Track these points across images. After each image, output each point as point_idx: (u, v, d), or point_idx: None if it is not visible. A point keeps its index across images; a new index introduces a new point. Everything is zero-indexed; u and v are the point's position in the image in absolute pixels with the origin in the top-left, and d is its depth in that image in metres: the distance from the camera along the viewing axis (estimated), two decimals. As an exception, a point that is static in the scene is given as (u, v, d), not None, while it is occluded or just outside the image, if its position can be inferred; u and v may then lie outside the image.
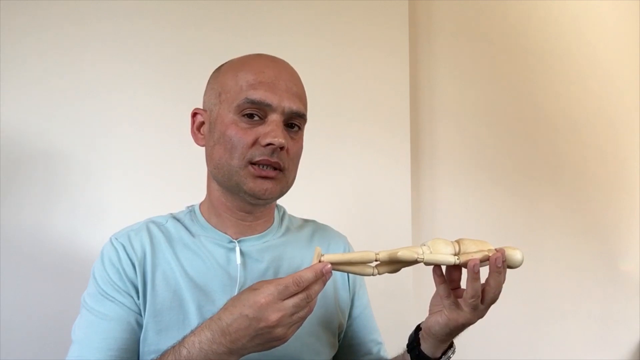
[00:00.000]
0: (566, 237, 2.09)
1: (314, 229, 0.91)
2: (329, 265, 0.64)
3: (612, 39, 2.30)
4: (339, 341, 0.88)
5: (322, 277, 0.63)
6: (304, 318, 0.64)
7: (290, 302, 0.61)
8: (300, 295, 0.62)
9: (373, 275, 0.70)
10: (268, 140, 0.73)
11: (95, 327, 0.72)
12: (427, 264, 0.68)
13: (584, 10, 2.23)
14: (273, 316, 0.60)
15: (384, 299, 1.00)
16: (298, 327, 0.64)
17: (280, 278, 0.63)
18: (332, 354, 0.85)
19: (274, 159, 0.74)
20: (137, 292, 0.75)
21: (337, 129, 1.57)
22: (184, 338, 0.65)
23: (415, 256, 0.67)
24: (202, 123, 0.81)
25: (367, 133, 1.61)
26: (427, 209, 1.79)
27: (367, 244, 1.53)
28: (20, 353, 1.19)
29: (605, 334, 2.17)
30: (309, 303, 0.63)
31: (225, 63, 0.82)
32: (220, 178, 0.77)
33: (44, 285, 1.22)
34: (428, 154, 1.81)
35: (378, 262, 0.70)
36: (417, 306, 1.55)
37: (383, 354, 0.92)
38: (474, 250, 0.69)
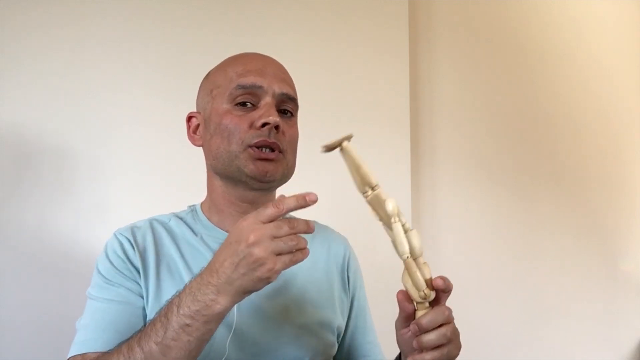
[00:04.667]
0: (566, 236, 2.09)
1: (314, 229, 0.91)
2: (315, 196, 0.62)
3: (612, 39, 2.30)
4: (338, 342, 0.88)
5: (305, 205, 0.62)
6: (291, 251, 0.60)
7: (271, 224, 0.59)
8: (283, 221, 0.60)
9: (364, 194, 0.66)
10: (263, 120, 0.74)
11: (101, 312, 0.72)
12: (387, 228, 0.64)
13: (584, 11, 2.23)
14: (252, 235, 0.58)
15: (382, 299, 1.00)
16: (286, 264, 0.59)
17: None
18: (332, 355, 0.85)
19: (272, 139, 0.75)
20: (141, 278, 0.75)
21: (337, 128, 1.56)
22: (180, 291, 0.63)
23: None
24: (198, 126, 0.82)
25: (367, 133, 1.61)
26: (427, 209, 1.79)
27: (367, 243, 1.53)
28: (21, 353, 1.19)
29: (605, 334, 2.16)
30: (293, 233, 0.60)
31: (213, 68, 0.85)
32: (221, 167, 0.77)
33: (45, 284, 1.23)
34: (428, 154, 1.82)
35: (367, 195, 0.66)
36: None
37: (380, 356, 0.92)
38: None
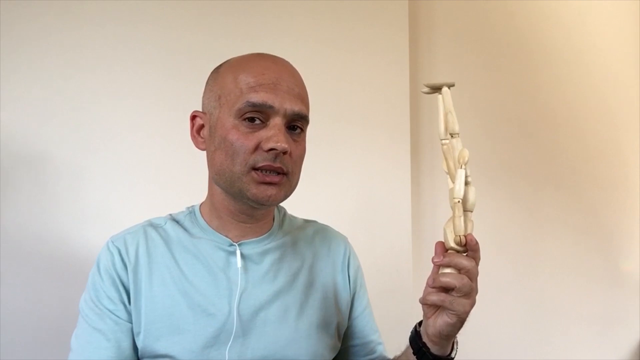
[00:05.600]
0: (566, 237, 2.09)
1: (314, 230, 0.91)
2: None
3: (612, 39, 2.30)
4: (339, 342, 0.87)
5: None
6: None
7: None
8: None
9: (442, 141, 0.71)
10: (270, 145, 0.71)
11: (92, 344, 0.73)
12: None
13: (585, 11, 2.23)
14: None
15: (384, 298, 1.00)
16: None
17: None
18: (332, 356, 0.84)
19: (277, 164, 0.72)
20: (130, 298, 0.75)
21: (337, 129, 1.57)
22: None
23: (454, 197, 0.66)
24: (202, 126, 0.79)
25: (368, 134, 1.61)
26: (427, 210, 1.79)
27: (368, 244, 1.53)
28: (20, 353, 1.19)
29: (605, 334, 2.16)
30: None
31: (224, 63, 0.80)
32: (223, 184, 0.76)
33: (44, 286, 1.23)
34: (428, 155, 1.81)
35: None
36: (417, 306, 1.55)
37: (385, 353, 0.92)
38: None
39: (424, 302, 0.69)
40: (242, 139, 0.72)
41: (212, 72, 0.81)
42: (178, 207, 0.87)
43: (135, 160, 1.33)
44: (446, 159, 0.71)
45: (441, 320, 0.69)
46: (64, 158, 1.28)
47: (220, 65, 0.81)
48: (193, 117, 0.81)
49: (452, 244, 0.67)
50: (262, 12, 1.50)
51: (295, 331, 0.78)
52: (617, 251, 2.24)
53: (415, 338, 0.74)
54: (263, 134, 0.72)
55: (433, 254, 0.70)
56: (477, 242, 0.66)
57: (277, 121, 0.73)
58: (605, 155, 2.23)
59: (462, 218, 0.66)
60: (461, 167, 0.68)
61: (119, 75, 1.34)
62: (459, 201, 0.66)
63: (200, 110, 0.81)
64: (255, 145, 0.72)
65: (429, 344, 0.72)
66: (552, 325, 2.03)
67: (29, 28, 1.27)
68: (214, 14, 1.45)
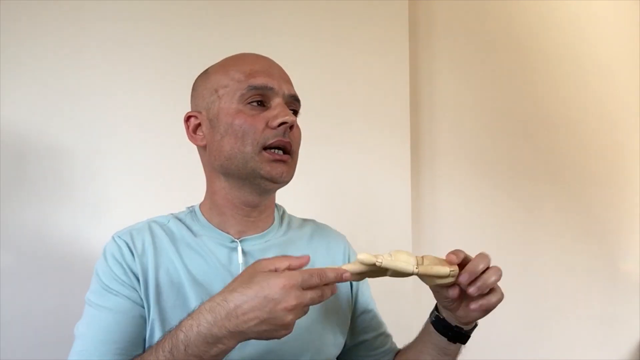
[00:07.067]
0: (566, 237, 2.09)
1: (313, 228, 0.91)
2: (348, 273, 0.64)
3: (613, 39, 2.31)
4: (344, 340, 0.88)
5: (341, 280, 0.64)
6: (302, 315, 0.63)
7: (309, 295, 0.61)
8: (318, 292, 0.62)
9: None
10: (280, 120, 0.75)
11: (98, 322, 0.72)
12: (384, 269, 0.66)
13: (585, 11, 2.24)
14: (293, 301, 0.59)
15: (383, 299, 1.01)
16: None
17: (303, 270, 0.63)
18: (336, 353, 0.85)
19: (287, 139, 0.76)
20: (140, 286, 0.75)
21: (337, 129, 1.57)
22: (181, 321, 0.64)
23: (374, 260, 0.65)
24: (198, 125, 0.81)
25: (368, 134, 1.62)
26: (427, 210, 1.79)
27: (368, 245, 1.53)
28: (21, 353, 1.19)
29: (605, 334, 2.17)
30: (320, 301, 0.62)
31: (210, 67, 0.84)
32: (234, 169, 0.77)
33: (45, 284, 1.23)
34: (428, 155, 1.82)
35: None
36: (417, 306, 1.55)
37: (394, 346, 0.93)
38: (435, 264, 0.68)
39: (470, 320, 0.75)
40: (249, 120, 0.76)
41: (198, 77, 0.84)
42: (182, 206, 0.88)
43: (139, 159, 1.34)
44: (393, 273, 0.69)
45: (474, 313, 0.73)
46: (66, 156, 1.28)
47: (206, 70, 0.84)
48: (187, 119, 0.83)
49: (452, 279, 0.69)
50: (263, 12, 1.50)
51: (296, 327, 0.78)
52: (617, 251, 2.24)
53: (445, 325, 0.78)
54: (267, 114, 0.77)
55: (433, 254, 0.72)
56: (456, 255, 0.70)
57: (278, 101, 0.78)
58: (605, 155, 2.23)
59: (434, 268, 0.67)
60: (380, 261, 0.66)
61: (120, 74, 1.34)
62: (416, 267, 0.67)
63: (192, 112, 0.83)
64: (263, 125, 0.76)
65: (461, 326, 0.77)
66: (552, 325, 2.03)
67: (34, 25, 1.27)
68: (217, 14, 1.45)
